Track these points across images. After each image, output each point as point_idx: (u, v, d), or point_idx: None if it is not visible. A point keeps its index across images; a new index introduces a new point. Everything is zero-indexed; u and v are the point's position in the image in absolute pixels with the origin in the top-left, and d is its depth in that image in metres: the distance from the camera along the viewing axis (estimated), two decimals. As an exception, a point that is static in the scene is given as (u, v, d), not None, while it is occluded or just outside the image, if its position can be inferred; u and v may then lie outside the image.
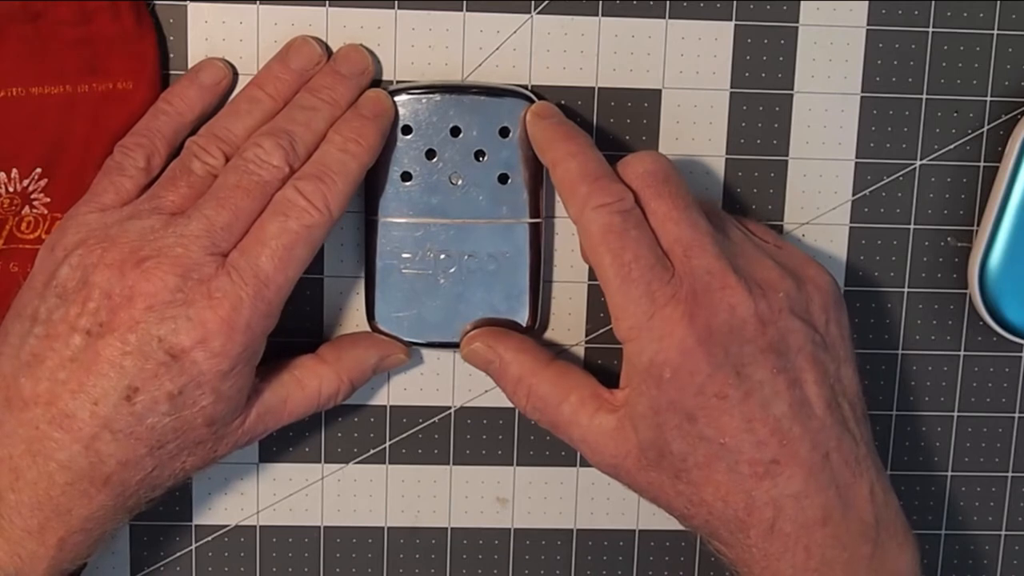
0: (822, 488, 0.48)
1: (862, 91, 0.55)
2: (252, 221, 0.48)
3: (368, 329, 0.55)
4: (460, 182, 0.53)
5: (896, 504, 0.50)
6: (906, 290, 0.57)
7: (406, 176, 0.53)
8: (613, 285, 0.48)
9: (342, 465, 0.57)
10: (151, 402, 0.47)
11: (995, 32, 0.55)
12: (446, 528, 0.58)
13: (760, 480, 0.48)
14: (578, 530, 0.58)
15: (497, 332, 0.54)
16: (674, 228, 0.49)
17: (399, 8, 0.54)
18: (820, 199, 0.56)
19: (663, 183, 0.49)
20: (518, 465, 0.58)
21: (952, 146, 0.56)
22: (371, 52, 0.53)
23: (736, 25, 0.55)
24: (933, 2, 0.55)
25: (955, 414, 0.58)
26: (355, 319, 0.55)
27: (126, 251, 0.47)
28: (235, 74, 0.53)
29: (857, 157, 0.56)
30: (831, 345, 0.50)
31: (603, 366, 0.57)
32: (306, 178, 0.49)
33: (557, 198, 0.55)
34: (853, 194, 0.56)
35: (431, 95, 0.52)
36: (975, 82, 0.56)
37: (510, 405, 0.55)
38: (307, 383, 0.52)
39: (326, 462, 0.57)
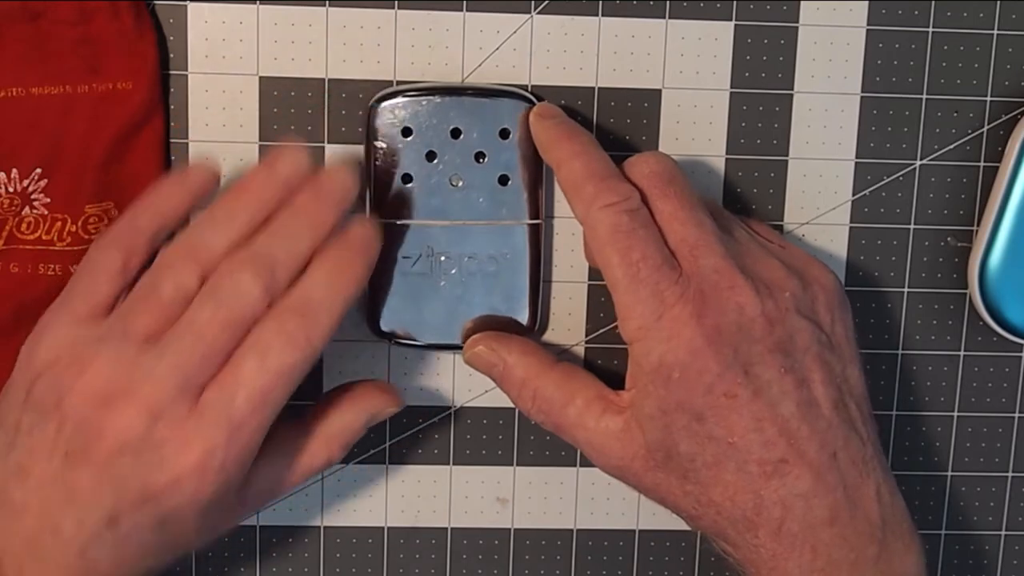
0: (830, 488, 0.48)
1: (862, 91, 0.55)
2: (229, 354, 0.46)
3: (369, 332, 0.55)
4: (460, 183, 0.53)
5: (902, 504, 0.50)
6: (906, 290, 0.57)
7: (406, 178, 0.53)
8: (621, 285, 0.48)
9: (342, 465, 0.57)
10: (135, 527, 0.46)
11: (995, 32, 0.55)
12: (446, 528, 0.58)
13: (769, 479, 0.48)
14: (578, 530, 0.58)
15: (500, 335, 0.53)
16: (680, 228, 0.49)
17: (399, 8, 0.54)
18: (820, 199, 0.56)
19: (668, 183, 0.49)
20: (518, 465, 0.58)
21: (952, 146, 0.56)
22: (355, 169, 0.50)
23: (736, 25, 0.55)
24: (933, 2, 0.55)
25: (955, 414, 0.58)
26: (355, 319, 0.55)
27: (97, 383, 0.46)
28: (221, 176, 0.51)
29: (857, 157, 0.56)
30: (837, 345, 0.50)
31: (604, 366, 0.57)
32: (288, 313, 0.47)
33: (557, 199, 0.55)
34: (853, 194, 0.56)
35: (431, 97, 0.52)
36: (975, 82, 0.56)
37: (510, 405, 0.55)
38: (297, 463, 0.51)
39: (326, 462, 0.57)
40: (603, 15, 0.54)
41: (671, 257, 0.48)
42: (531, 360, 0.52)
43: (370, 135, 0.53)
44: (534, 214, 0.54)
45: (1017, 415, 0.58)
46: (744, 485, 0.48)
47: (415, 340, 0.54)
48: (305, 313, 0.47)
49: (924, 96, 0.56)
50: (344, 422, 0.52)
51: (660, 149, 0.55)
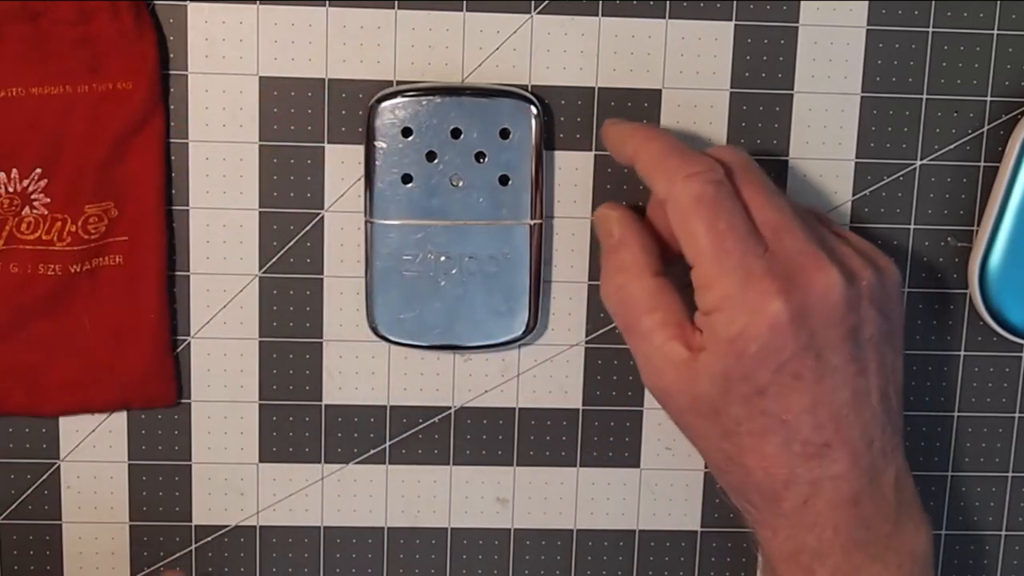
0: (861, 473, 0.48)
1: (862, 91, 0.55)
2: None
3: (369, 332, 0.55)
4: (461, 184, 0.53)
5: (913, 487, 0.51)
6: (906, 290, 0.57)
7: (407, 178, 0.53)
8: (705, 254, 0.47)
9: (342, 465, 0.57)
10: None
11: (995, 32, 0.55)
12: (446, 528, 0.58)
13: (808, 460, 0.48)
14: (578, 530, 0.58)
15: (635, 219, 0.53)
16: (760, 212, 0.48)
17: (399, 8, 0.54)
18: (820, 199, 0.56)
19: (744, 171, 0.49)
20: (518, 465, 0.58)
21: (952, 146, 0.56)
22: None
23: (736, 25, 0.55)
24: (933, 2, 0.55)
25: (955, 414, 0.58)
26: (355, 319, 0.55)
27: None
28: None
29: (857, 157, 0.56)
30: (892, 336, 0.50)
31: (603, 366, 0.57)
32: None
33: (557, 199, 0.55)
34: (853, 194, 0.56)
35: (432, 97, 0.52)
36: (975, 82, 0.56)
37: (510, 405, 0.56)
38: None
39: (326, 462, 0.57)
40: (603, 15, 0.54)
41: (757, 232, 0.48)
42: (641, 256, 0.51)
43: (370, 135, 0.53)
44: (534, 214, 0.54)
45: (1017, 415, 0.58)
46: (782, 460, 0.48)
47: (415, 340, 0.54)
48: None
49: (924, 96, 0.56)
50: None
51: (660, 149, 0.55)
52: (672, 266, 0.52)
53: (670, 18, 0.54)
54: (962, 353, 0.58)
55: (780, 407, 0.48)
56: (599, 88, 0.55)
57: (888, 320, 0.50)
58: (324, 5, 0.53)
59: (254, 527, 0.57)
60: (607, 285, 0.52)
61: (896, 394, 0.50)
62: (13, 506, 0.56)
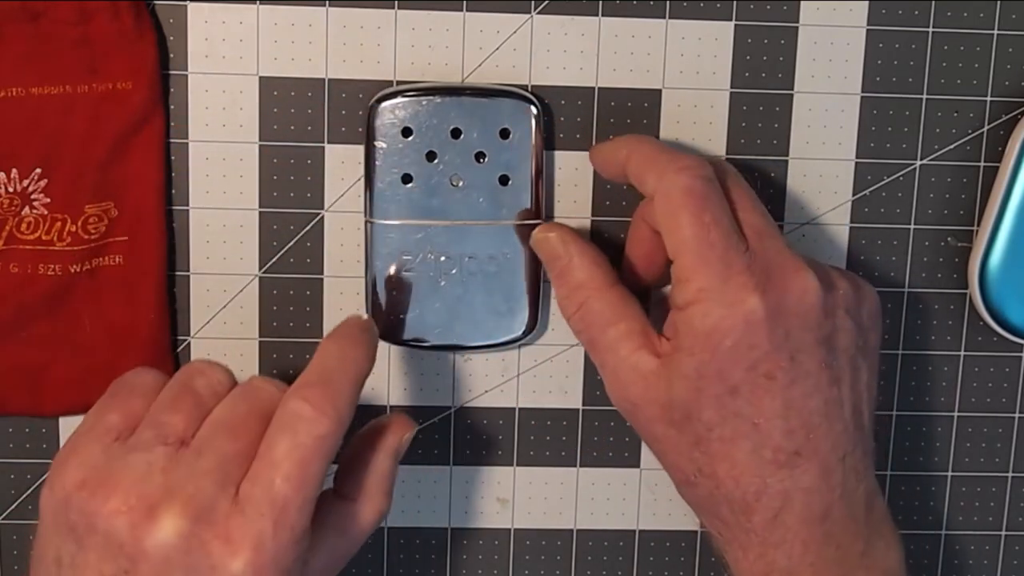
0: (831, 488, 0.48)
1: (862, 91, 0.55)
2: (259, 442, 0.45)
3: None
4: (461, 184, 0.53)
5: (884, 507, 0.51)
6: (906, 290, 0.57)
7: (407, 178, 0.53)
8: (688, 246, 0.48)
9: (342, 465, 0.57)
10: None
11: (995, 32, 0.55)
12: (446, 528, 0.58)
13: (779, 468, 0.48)
14: (578, 530, 0.58)
15: (575, 234, 0.53)
16: (746, 214, 0.49)
17: (399, 8, 0.54)
18: (820, 199, 0.56)
19: (731, 177, 0.50)
20: (518, 465, 0.58)
21: (952, 146, 0.56)
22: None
23: (736, 25, 0.55)
24: (933, 2, 0.55)
25: (955, 414, 0.58)
26: (355, 319, 0.55)
27: (132, 497, 0.44)
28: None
29: (857, 157, 0.56)
30: (868, 354, 0.50)
31: (603, 366, 0.57)
32: (309, 385, 0.46)
33: (557, 199, 0.55)
34: (853, 194, 0.56)
35: (432, 97, 0.53)
36: (975, 82, 0.56)
37: (510, 405, 0.55)
38: (349, 530, 0.49)
39: (326, 462, 0.57)
40: (603, 15, 0.54)
41: (740, 230, 0.49)
42: (595, 270, 0.52)
43: (370, 135, 0.53)
44: (535, 214, 0.54)
45: (1017, 415, 0.58)
46: (753, 468, 0.48)
47: (415, 340, 0.54)
48: (325, 383, 0.46)
49: (924, 96, 0.56)
50: (377, 474, 0.49)
51: (660, 149, 0.55)
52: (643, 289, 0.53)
53: (670, 18, 0.54)
54: (962, 353, 0.58)
55: (752, 409, 0.48)
56: (599, 88, 0.55)
57: (863, 334, 0.50)
58: (324, 5, 0.53)
59: (254, 527, 0.57)
60: (567, 306, 0.52)
61: (868, 414, 0.50)
62: (13, 506, 0.56)
